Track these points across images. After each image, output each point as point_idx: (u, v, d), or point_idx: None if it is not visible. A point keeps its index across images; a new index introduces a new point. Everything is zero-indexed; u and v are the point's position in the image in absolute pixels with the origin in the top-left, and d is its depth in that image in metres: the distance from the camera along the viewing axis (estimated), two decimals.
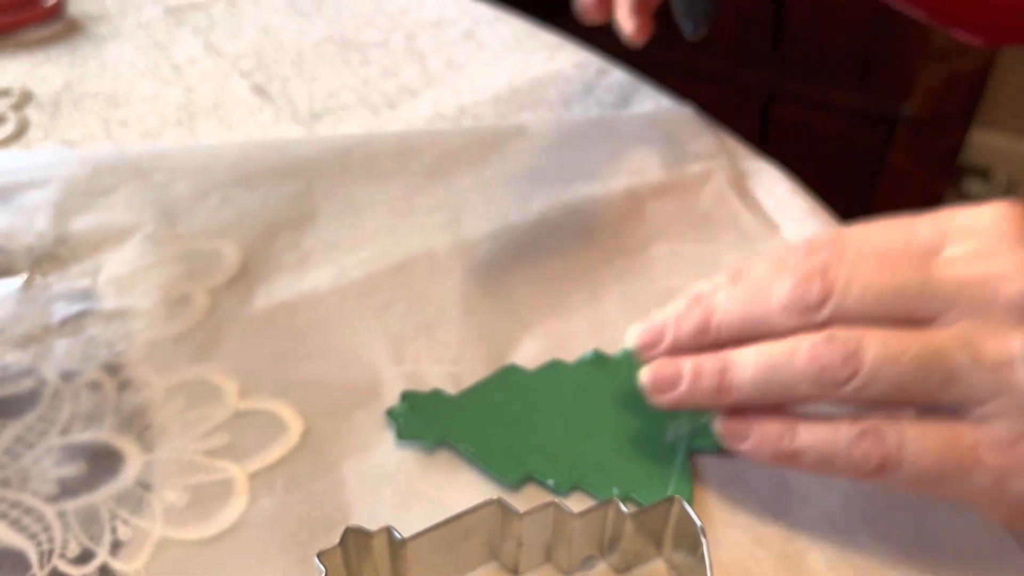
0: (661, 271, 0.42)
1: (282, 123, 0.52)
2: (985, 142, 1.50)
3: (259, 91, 0.55)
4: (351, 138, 0.50)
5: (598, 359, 0.37)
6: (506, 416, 0.34)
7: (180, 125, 0.52)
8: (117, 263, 0.41)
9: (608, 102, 0.54)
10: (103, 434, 0.34)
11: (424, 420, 0.34)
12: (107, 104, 0.54)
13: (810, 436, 0.29)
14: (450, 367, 0.37)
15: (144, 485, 0.32)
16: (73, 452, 0.33)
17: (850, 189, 1.35)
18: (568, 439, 0.33)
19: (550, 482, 0.32)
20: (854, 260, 0.29)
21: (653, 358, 0.32)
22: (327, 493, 0.32)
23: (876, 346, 0.27)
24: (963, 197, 1.53)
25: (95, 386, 0.36)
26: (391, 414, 0.34)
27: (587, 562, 0.30)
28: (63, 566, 0.30)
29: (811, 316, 0.29)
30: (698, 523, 0.27)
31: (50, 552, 0.30)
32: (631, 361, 0.36)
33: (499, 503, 0.28)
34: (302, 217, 0.45)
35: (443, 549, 0.28)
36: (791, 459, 0.29)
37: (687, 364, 0.30)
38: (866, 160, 1.34)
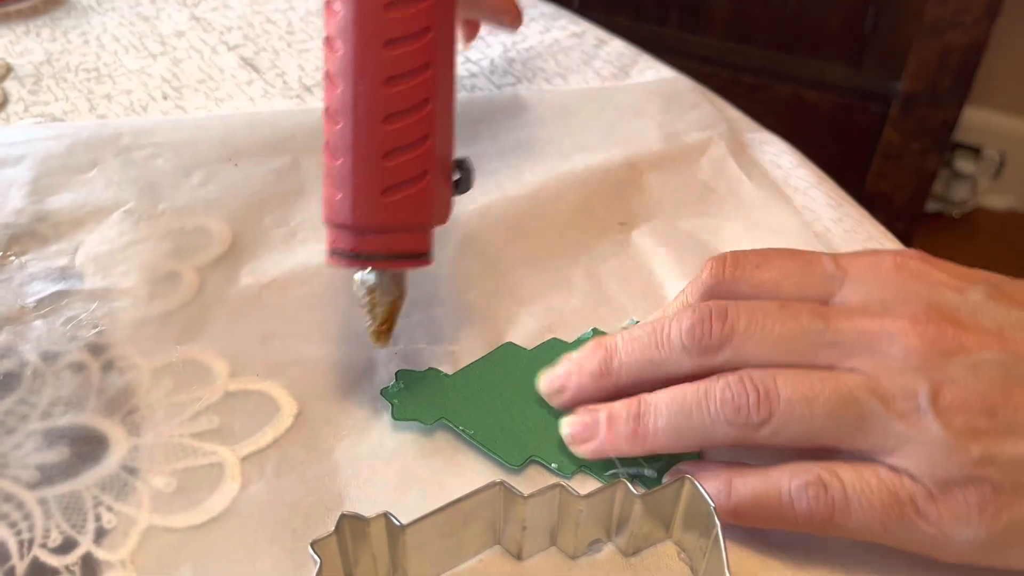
0: (662, 243, 0.41)
1: (272, 97, 0.50)
2: (976, 120, 1.49)
3: (248, 64, 0.53)
4: None
5: (597, 335, 0.35)
6: (505, 396, 0.33)
7: (166, 99, 0.50)
8: (96, 242, 0.39)
9: (607, 73, 0.53)
10: (86, 417, 0.33)
11: (420, 400, 0.32)
12: (90, 78, 0.52)
13: (746, 489, 0.28)
14: (447, 346, 0.36)
15: (130, 470, 0.31)
16: (55, 437, 0.32)
17: (843, 167, 1.34)
18: None
19: (553, 465, 0.30)
20: (752, 302, 0.29)
21: (562, 406, 0.32)
22: (321, 478, 0.31)
23: (790, 388, 0.27)
24: (955, 175, 1.53)
25: (78, 367, 0.34)
26: (385, 394, 0.33)
27: (594, 545, 0.29)
28: (44, 556, 0.28)
29: (711, 358, 0.29)
30: (711, 503, 0.26)
31: (30, 541, 0.29)
32: None
33: (502, 486, 0.26)
34: (289, 193, 0.43)
35: (444, 534, 0.27)
36: (730, 516, 0.28)
37: (602, 412, 0.30)
38: (859, 137, 1.33)
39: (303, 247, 0.40)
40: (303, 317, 0.37)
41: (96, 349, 0.35)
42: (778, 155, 0.47)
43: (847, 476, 0.27)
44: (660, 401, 0.29)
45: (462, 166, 0.32)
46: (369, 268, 0.31)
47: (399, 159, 0.29)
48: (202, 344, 0.35)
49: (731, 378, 0.28)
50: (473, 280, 0.39)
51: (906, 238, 1.30)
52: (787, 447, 0.28)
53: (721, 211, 0.43)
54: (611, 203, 0.43)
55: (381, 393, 0.33)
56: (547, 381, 0.32)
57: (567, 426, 0.31)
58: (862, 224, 0.42)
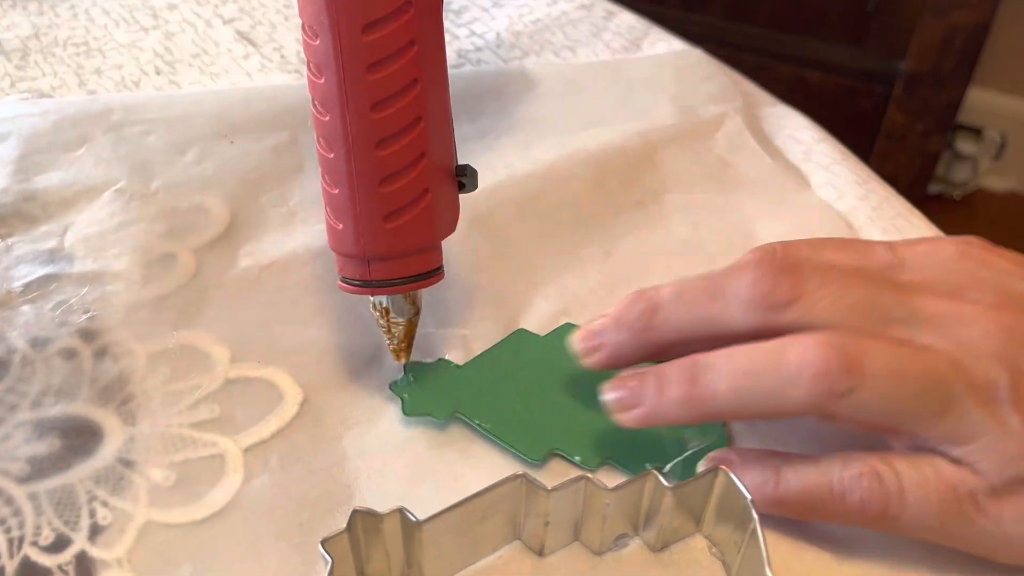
0: (678, 223, 0.39)
1: (269, 71, 0.48)
2: (978, 100, 1.48)
3: (244, 38, 0.51)
4: None
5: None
6: (520, 386, 0.31)
7: (159, 75, 0.48)
8: (86, 223, 0.37)
9: (617, 46, 0.51)
10: (79, 407, 0.31)
11: (431, 394, 0.31)
12: (80, 52, 0.50)
13: (797, 480, 0.26)
14: (457, 330, 0.34)
15: (126, 463, 0.29)
16: (45, 427, 0.30)
17: (846, 147, 1.32)
18: (590, 410, 0.30)
19: (577, 458, 0.29)
20: (823, 263, 0.26)
21: (597, 366, 0.29)
22: (329, 469, 0.29)
23: (882, 359, 0.24)
24: (956, 156, 1.51)
25: (69, 354, 0.32)
26: (394, 389, 0.31)
27: (620, 540, 0.27)
28: (35, 555, 0.27)
29: (776, 316, 0.26)
30: (748, 496, 0.24)
31: (20, 539, 0.27)
32: None
33: (524, 479, 0.25)
34: (288, 170, 0.41)
35: (462, 531, 0.25)
36: (777, 506, 0.26)
37: (650, 374, 0.27)
38: (863, 118, 1.32)
39: (303, 227, 0.38)
40: (305, 300, 0.35)
41: (88, 335, 0.33)
42: (797, 129, 0.45)
43: (903, 468, 0.25)
44: (720, 361, 0.26)
45: (464, 172, 0.30)
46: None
47: (397, 184, 0.28)
48: (200, 329, 0.33)
49: (813, 340, 0.24)
50: (483, 261, 0.37)
51: None
52: (858, 424, 0.25)
53: (740, 187, 0.41)
54: (625, 180, 0.41)
55: (390, 387, 0.31)
56: (581, 338, 0.29)
57: (610, 390, 0.27)
58: (889, 202, 0.40)
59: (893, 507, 0.25)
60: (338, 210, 0.28)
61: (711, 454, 0.28)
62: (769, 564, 0.23)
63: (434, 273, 0.30)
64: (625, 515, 0.26)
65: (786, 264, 0.26)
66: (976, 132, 1.52)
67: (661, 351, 0.28)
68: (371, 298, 0.30)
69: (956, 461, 0.25)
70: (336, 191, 0.28)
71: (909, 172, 1.33)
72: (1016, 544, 0.25)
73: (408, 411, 0.30)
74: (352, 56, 0.26)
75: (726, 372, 0.26)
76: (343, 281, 0.29)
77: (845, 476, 0.25)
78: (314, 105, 0.28)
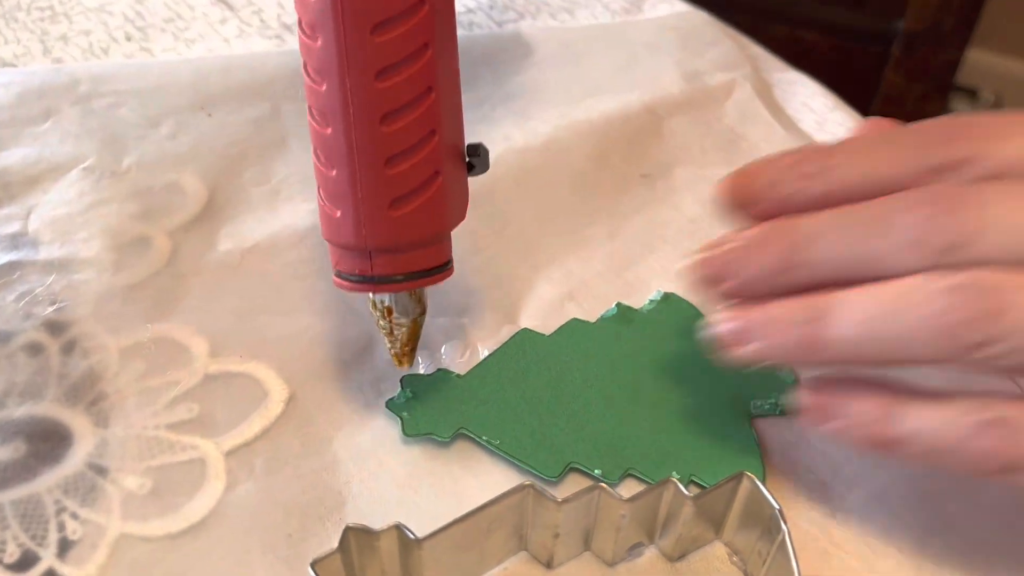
0: (688, 200, 0.37)
1: (248, 37, 0.45)
2: (973, 61, 1.45)
3: (221, 0, 0.48)
4: None
5: (623, 314, 0.31)
6: (529, 394, 0.28)
7: (130, 41, 0.45)
8: (52, 204, 0.34)
9: (617, 7, 0.48)
10: (45, 407, 0.28)
11: (433, 411, 0.28)
12: (44, 17, 0.46)
13: (919, 421, 0.22)
14: (455, 318, 0.32)
15: (97, 469, 0.27)
16: (9, 431, 0.28)
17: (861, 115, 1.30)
18: (607, 417, 0.28)
19: (597, 471, 0.26)
20: (1006, 184, 0.22)
21: (718, 296, 0.25)
22: (318, 472, 0.27)
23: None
24: None
25: (34, 349, 0.30)
26: (391, 407, 0.28)
27: (634, 550, 0.25)
28: (1, 573, 0.24)
29: (950, 257, 0.22)
30: (776, 506, 0.22)
31: None
32: (662, 314, 0.31)
33: (532, 489, 0.23)
34: (270, 145, 0.38)
35: (464, 546, 0.23)
36: (891, 446, 0.23)
37: (767, 311, 0.23)
38: (859, 79, 1.29)
39: (288, 206, 0.36)
40: (291, 287, 0.32)
41: (55, 328, 0.31)
42: (810, 97, 0.42)
43: None
44: (850, 300, 0.22)
45: (476, 152, 0.27)
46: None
47: (403, 165, 0.24)
48: (177, 320, 0.31)
49: (952, 280, 0.21)
50: (481, 242, 0.35)
51: None
52: (1002, 373, 0.22)
53: (751, 159, 0.39)
54: (630, 153, 0.39)
55: (387, 406, 0.28)
56: (706, 263, 0.25)
57: (719, 324, 0.24)
58: None
59: (1020, 462, 0.21)
60: (335, 195, 0.25)
61: (808, 382, 0.24)
62: None
63: (443, 268, 0.26)
64: (641, 524, 0.24)
65: (968, 192, 0.22)
66: (971, 93, 1.50)
67: (803, 291, 0.24)
68: (371, 296, 0.27)
69: None
70: (333, 172, 0.24)
71: None
72: None
73: (408, 432, 0.27)
74: (362, 61, 0.23)
75: (855, 312, 0.22)
76: (339, 277, 0.26)
77: (972, 422, 0.22)
78: (306, 72, 0.25)
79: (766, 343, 0.23)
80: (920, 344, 0.22)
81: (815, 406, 0.24)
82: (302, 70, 0.25)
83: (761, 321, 0.24)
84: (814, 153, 0.25)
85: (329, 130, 0.24)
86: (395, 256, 0.25)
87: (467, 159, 0.27)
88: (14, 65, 0.43)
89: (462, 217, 0.27)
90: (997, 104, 1.49)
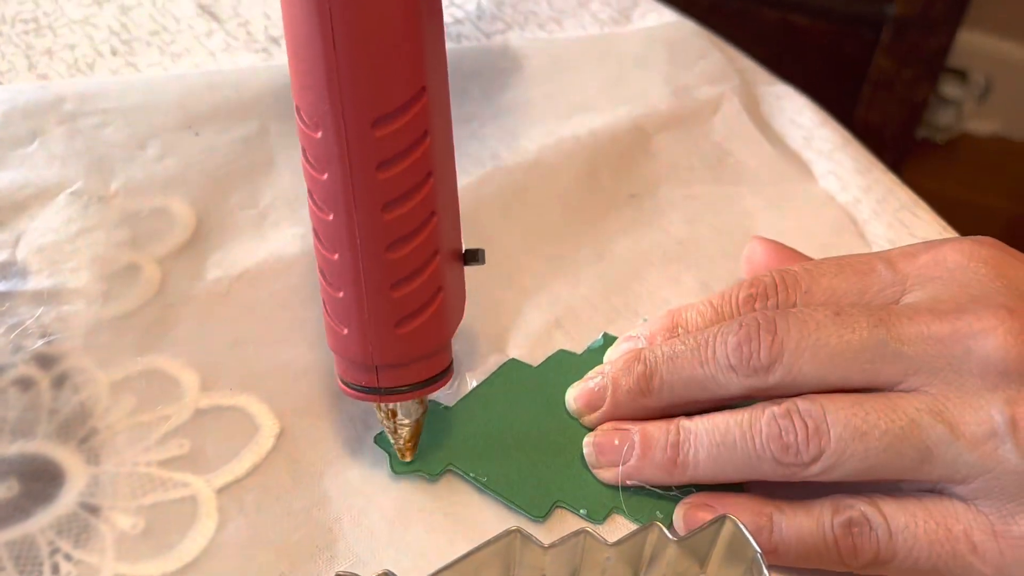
0: (674, 220, 0.37)
1: (235, 50, 0.45)
2: (963, 43, 1.45)
3: (206, 12, 0.47)
4: None
5: (609, 345, 0.32)
6: (517, 428, 0.29)
7: (115, 55, 0.45)
8: (40, 231, 0.34)
9: (605, 17, 0.48)
10: (37, 445, 0.29)
11: (421, 446, 0.28)
12: (29, 31, 0.46)
13: (792, 531, 0.25)
14: None
15: (90, 508, 0.27)
16: (2, 468, 0.28)
17: (832, 94, 1.30)
18: None
19: (582, 511, 0.27)
20: (804, 312, 0.26)
21: (594, 424, 0.28)
22: (309, 510, 0.27)
23: (842, 422, 0.24)
24: (940, 100, 1.49)
25: (26, 384, 0.30)
26: (380, 443, 0.29)
27: None
28: None
29: (762, 379, 0.25)
30: (757, 550, 0.23)
31: None
32: None
33: (519, 534, 0.23)
34: (258, 166, 0.38)
35: None
36: (771, 556, 0.26)
37: (635, 434, 0.27)
38: (849, 64, 1.29)
39: (275, 231, 0.36)
40: (280, 317, 0.33)
41: (45, 361, 0.31)
42: (797, 112, 0.42)
43: (891, 511, 0.25)
44: (701, 429, 0.26)
45: (476, 257, 0.28)
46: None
47: (410, 287, 0.25)
48: (167, 352, 0.31)
49: (777, 410, 0.25)
50: (469, 270, 0.35)
51: (895, 168, 1.26)
52: (843, 481, 0.25)
53: (739, 178, 0.39)
54: (618, 172, 0.39)
55: (375, 441, 0.29)
56: (577, 397, 0.29)
57: (591, 445, 0.27)
58: (893, 192, 0.39)
59: (884, 552, 0.25)
60: (342, 314, 0.26)
61: (689, 499, 0.27)
62: None
63: (445, 374, 0.27)
64: (627, 564, 0.25)
65: (765, 322, 0.25)
66: (961, 75, 1.50)
67: (660, 414, 0.27)
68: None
69: (954, 497, 0.24)
70: (340, 294, 0.25)
71: (896, 119, 1.31)
72: None
73: (397, 469, 0.28)
74: (360, 154, 0.23)
75: (705, 441, 0.26)
76: (346, 385, 0.27)
77: (836, 524, 0.25)
78: (312, 200, 0.25)
79: (632, 468, 0.27)
80: (765, 464, 0.25)
81: (695, 520, 0.26)
82: (301, 155, 0.25)
83: (628, 445, 0.27)
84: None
85: (336, 256, 0.25)
86: (400, 370, 0.26)
87: (466, 263, 0.28)
88: (0, 82, 0.43)
89: (461, 317, 0.28)
90: (987, 86, 1.49)
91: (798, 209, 0.37)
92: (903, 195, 0.39)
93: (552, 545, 0.23)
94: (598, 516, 0.27)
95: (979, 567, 0.24)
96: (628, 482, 0.27)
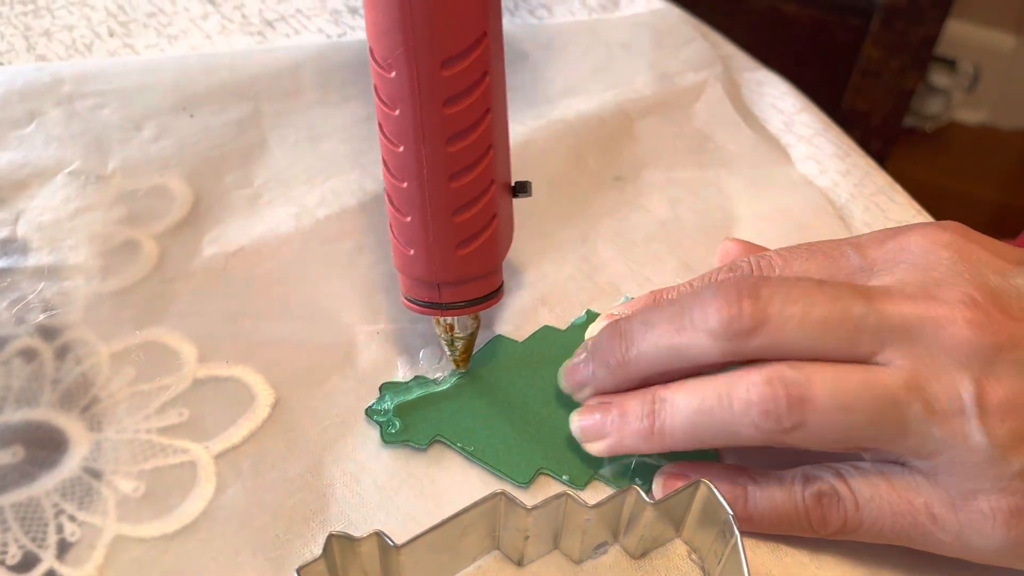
0: (657, 202, 0.39)
1: (231, 33, 0.46)
2: (951, 32, 1.46)
3: None
4: (302, 49, 0.44)
5: (592, 321, 0.33)
6: (501, 401, 0.30)
7: (113, 37, 0.46)
8: (39, 210, 0.35)
9: (595, 3, 0.49)
10: (42, 412, 0.30)
11: (411, 418, 0.30)
12: (27, 12, 0.47)
13: (766, 501, 0.27)
14: (432, 324, 0.33)
15: (93, 473, 0.28)
16: (8, 435, 0.29)
17: (821, 84, 1.31)
18: None
19: (565, 477, 0.28)
20: (787, 279, 0.26)
21: (584, 400, 0.29)
22: (303, 475, 0.29)
23: (827, 391, 0.24)
24: (929, 88, 1.50)
25: (29, 355, 0.31)
26: (371, 414, 0.30)
27: (599, 548, 0.27)
28: (3, 574, 0.26)
29: (742, 344, 0.25)
30: (729, 512, 0.24)
31: None
32: None
33: (504, 496, 0.24)
34: (252, 147, 0.39)
35: (440, 548, 0.25)
36: (746, 523, 0.27)
37: (613, 408, 0.28)
38: (838, 52, 1.30)
39: (269, 210, 0.37)
40: (274, 292, 0.34)
41: (48, 333, 0.32)
42: (778, 97, 0.44)
43: (858, 483, 0.26)
44: (678, 397, 0.26)
45: (525, 189, 0.30)
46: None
47: (469, 213, 0.28)
48: (166, 325, 0.32)
49: (758, 376, 0.25)
50: None
51: (882, 157, 1.28)
52: (817, 449, 0.26)
53: (720, 161, 0.40)
54: (604, 155, 0.40)
55: (366, 413, 0.30)
56: (566, 376, 0.29)
57: (576, 421, 0.28)
58: (870, 176, 0.40)
59: (851, 522, 0.26)
60: (409, 237, 0.28)
61: (665, 468, 0.28)
62: None
63: (497, 292, 0.30)
64: (606, 526, 0.26)
65: (747, 288, 0.26)
66: (950, 64, 1.51)
67: (642, 383, 0.28)
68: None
69: (915, 471, 0.25)
70: (408, 219, 0.28)
71: (883, 108, 1.32)
72: (977, 551, 0.25)
73: (387, 439, 0.29)
74: (430, 91, 0.26)
75: (681, 408, 0.26)
76: (410, 301, 0.30)
77: (807, 495, 0.26)
78: (382, 134, 0.28)
79: (615, 439, 0.27)
80: (744, 429, 0.25)
81: (672, 489, 0.27)
82: (373, 93, 0.27)
83: (609, 419, 0.27)
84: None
85: (405, 184, 0.28)
86: (459, 287, 0.29)
87: (515, 194, 0.30)
88: None
89: (510, 243, 0.31)
90: (976, 75, 1.50)
91: (777, 192, 0.39)
92: (880, 179, 0.40)
93: (535, 507, 0.24)
94: (580, 482, 0.28)
95: (939, 535, 0.25)
96: (614, 454, 0.28)
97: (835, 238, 0.29)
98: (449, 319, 0.30)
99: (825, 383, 0.24)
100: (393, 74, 0.26)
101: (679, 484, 0.27)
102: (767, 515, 0.27)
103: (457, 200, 0.27)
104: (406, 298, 0.30)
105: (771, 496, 0.26)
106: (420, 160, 0.27)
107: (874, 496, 0.26)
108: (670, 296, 0.30)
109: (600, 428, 0.28)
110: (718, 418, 0.25)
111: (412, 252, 0.28)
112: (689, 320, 0.26)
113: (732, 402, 0.25)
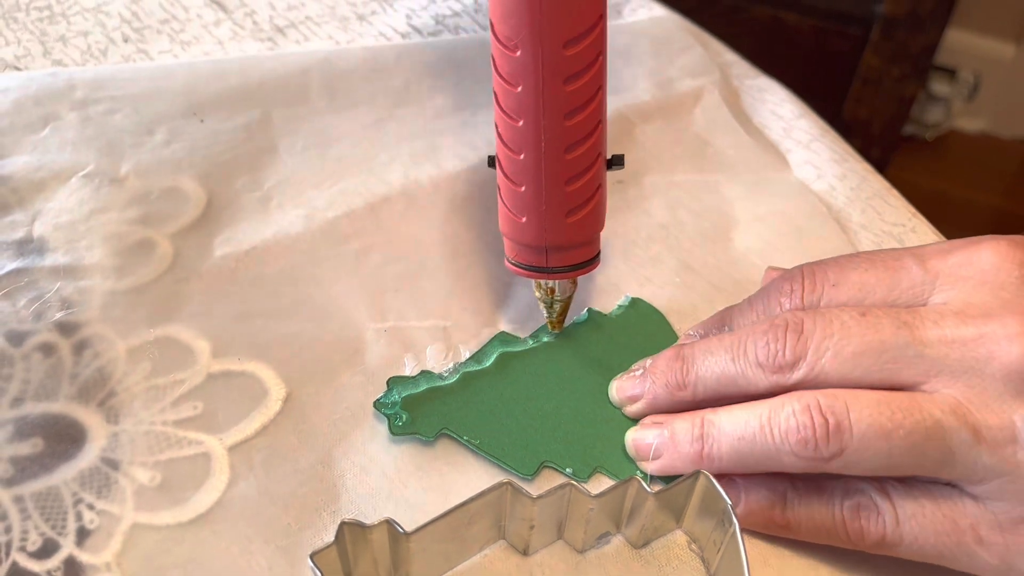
0: (657, 206, 0.39)
1: (242, 39, 0.47)
2: (952, 41, 1.47)
3: (214, 2, 0.49)
4: (310, 56, 0.45)
5: (593, 318, 0.34)
6: (506, 396, 0.31)
7: (127, 42, 0.47)
8: (55, 211, 0.36)
9: None
10: (60, 405, 0.31)
11: (418, 412, 0.30)
12: (43, 18, 0.48)
13: (804, 509, 0.27)
14: (438, 321, 0.34)
15: (110, 463, 0.29)
16: (28, 427, 0.30)
17: (822, 90, 1.32)
18: (579, 417, 0.30)
19: (568, 470, 0.29)
20: (831, 312, 0.27)
21: (635, 415, 0.30)
22: (314, 467, 0.29)
23: (865, 419, 0.25)
24: (929, 97, 1.51)
25: (48, 349, 0.32)
26: (379, 407, 0.31)
27: (602, 538, 0.28)
28: (24, 561, 0.27)
29: (785, 375, 0.26)
30: (727, 500, 0.25)
31: (8, 544, 0.27)
32: (630, 318, 0.34)
33: (510, 487, 0.25)
34: (261, 152, 0.40)
35: (448, 537, 0.25)
36: (783, 529, 0.27)
37: (665, 429, 0.28)
38: (839, 61, 1.31)
39: (279, 213, 0.38)
40: (284, 292, 0.35)
41: (66, 328, 0.33)
42: (778, 104, 0.45)
43: (900, 499, 0.26)
44: (724, 423, 0.27)
45: (620, 161, 0.32)
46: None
47: (578, 184, 0.30)
48: (180, 322, 0.33)
49: (797, 404, 0.25)
50: (463, 247, 0.37)
51: (882, 164, 1.29)
52: (860, 475, 0.26)
53: (719, 167, 0.41)
54: None
55: (374, 406, 0.31)
56: (620, 389, 0.30)
57: (632, 440, 0.29)
58: (867, 181, 0.41)
59: (890, 537, 0.26)
60: (522, 206, 0.30)
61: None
62: (748, 570, 0.24)
63: (595, 259, 0.32)
64: (608, 516, 0.27)
65: (794, 322, 0.27)
66: (950, 73, 1.52)
67: (695, 405, 0.29)
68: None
69: (965, 494, 0.25)
70: (523, 189, 0.30)
71: (883, 117, 1.33)
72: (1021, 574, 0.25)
73: (395, 432, 0.30)
74: (552, 70, 0.28)
75: (726, 435, 0.27)
76: (515, 265, 0.32)
77: (845, 506, 0.26)
78: (501, 109, 0.29)
79: (667, 460, 0.28)
80: (784, 457, 0.26)
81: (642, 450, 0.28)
82: (492, 69, 0.29)
83: (662, 441, 0.28)
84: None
85: (522, 156, 0.30)
86: (565, 253, 0.31)
87: (611, 167, 0.32)
88: (16, 67, 0.44)
89: (605, 213, 0.32)
90: (976, 83, 1.51)
91: (774, 196, 0.40)
92: (876, 183, 0.41)
93: (540, 497, 0.25)
94: (583, 474, 0.29)
95: (984, 558, 0.25)
96: (666, 473, 0.28)
97: (833, 241, 0.30)
98: (551, 283, 0.32)
99: (863, 410, 0.25)
100: (518, 53, 0.28)
101: (727, 491, 0.27)
102: (804, 523, 0.27)
103: (570, 170, 0.29)
104: (511, 262, 0.32)
105: (809, 504, 0.27)
106: (539, 134, 0.29)
107: (916, 513, 0.25)
108: (737, 319, 0.31)
109: (650, 449, 0.28)
110: (760, 445, 0.26)
111: (524, 219, 0.30)
112: (742, 351, 0.27)
113: (772, 429, 0.26)
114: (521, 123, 0.29)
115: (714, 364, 0.28)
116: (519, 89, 0.28)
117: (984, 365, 0.24)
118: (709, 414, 0.28)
